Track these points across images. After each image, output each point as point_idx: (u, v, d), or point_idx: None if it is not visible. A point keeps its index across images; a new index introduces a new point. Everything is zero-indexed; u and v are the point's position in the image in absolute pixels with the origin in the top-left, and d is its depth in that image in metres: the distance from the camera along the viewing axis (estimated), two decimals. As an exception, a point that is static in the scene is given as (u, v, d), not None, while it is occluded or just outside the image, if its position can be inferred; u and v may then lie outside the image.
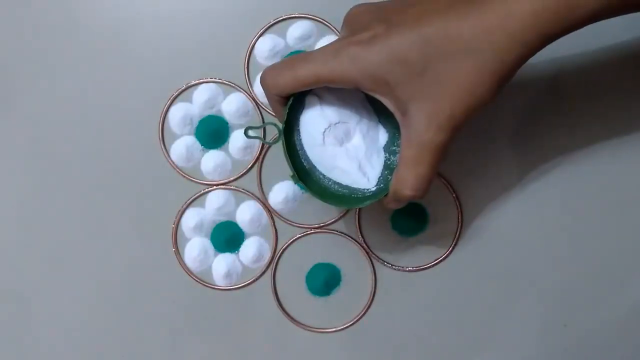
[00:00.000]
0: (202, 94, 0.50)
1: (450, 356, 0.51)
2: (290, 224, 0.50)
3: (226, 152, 0.50)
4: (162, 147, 0.50)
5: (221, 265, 0.50)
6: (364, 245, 0.50)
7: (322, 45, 0.44)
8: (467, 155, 0.50)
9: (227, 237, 0.50)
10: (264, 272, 0.51)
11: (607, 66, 0.50)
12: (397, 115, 0.37)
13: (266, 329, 0.51)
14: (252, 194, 0.50)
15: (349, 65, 0.36)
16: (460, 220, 0.50)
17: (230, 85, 0.50)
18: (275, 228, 0.50)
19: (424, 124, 0.36)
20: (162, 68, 0.50)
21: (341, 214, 0.50)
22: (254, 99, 0.50)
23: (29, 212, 0.51)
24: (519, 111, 0.50)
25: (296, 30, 0.49)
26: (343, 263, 0.51)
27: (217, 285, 0.51)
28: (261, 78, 0.40)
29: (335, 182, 0.42)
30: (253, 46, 0.50)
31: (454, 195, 0.50)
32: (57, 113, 0.50)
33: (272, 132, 0.50)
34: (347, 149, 0.42)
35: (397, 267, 0.50)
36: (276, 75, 0.38)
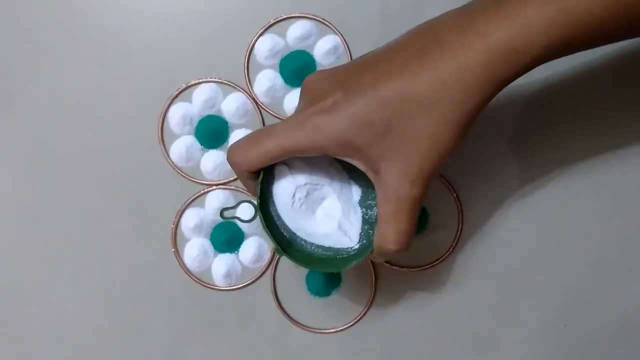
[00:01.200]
0: (201, 94, 0.50)
1: (450, 356, 0.51)
2: (290, 224, 0.50)
3: (226, 152, 0.50)
4: (162, 147, 0.50)
5: (221, 265, 0.50)
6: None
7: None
8: (467, 156, 0.50)
9: (227, 237, 0.50)
10: (264, 272, 0.51)
11: (605, 66, 0.49)
12: (370, 175, 0.38)
13: (266, 329, 0.51)
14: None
15: (314, 134, 0.37)
16: (460, 220, 0.50)
17: (230, 85, 0.50)
18: (275, 228, 0.50)
19: (397, 181, 0.37)
20: (162, 68, 0.50)
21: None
22: (253, 99, 0.50)
23: (29, 212, 0.51)
24: (519, 112, 0.50)
25: (296, 30, 0.49)
26: (343, 263, 0.51)
27: (216, 286, 0.51)
28: (228, 156, 0.40)
29: (317, 246, 0.42)
30: (253, 46, 0.50)
31: (454, 196, 0.50)
32: (57, 113, 0.50)
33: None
34: (324, 211, 0.42)
35: (397, 267, 0.50)
36: (243, 152, 0.39)
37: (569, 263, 0.50)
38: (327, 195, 0.42)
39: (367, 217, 0.43)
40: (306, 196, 0.42)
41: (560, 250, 0.50)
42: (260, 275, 0.51)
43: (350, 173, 0.43)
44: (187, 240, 0.51)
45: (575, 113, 0.50)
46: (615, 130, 0.50)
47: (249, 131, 0.50)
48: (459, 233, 0.50)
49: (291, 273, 0.51)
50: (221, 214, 0.42)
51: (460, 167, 0.50)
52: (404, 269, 0.50)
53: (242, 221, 0.42)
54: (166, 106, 0.50)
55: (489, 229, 0.50)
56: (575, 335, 0.51)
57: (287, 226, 0.42)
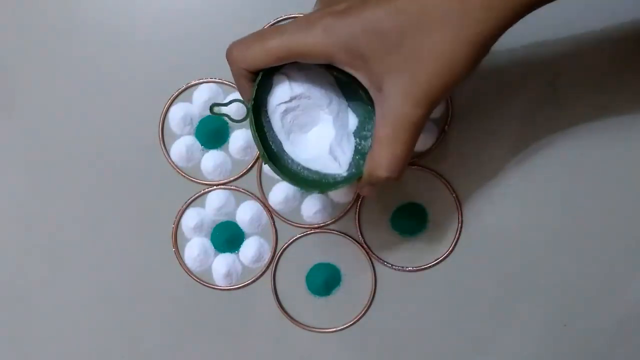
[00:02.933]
0: (202, 94, 0.50)
1: (450, 356, 0.51)
2: (290, 224, 0.50)
3: (226, 152, 0.50)
4: (162, 147, 0.50)
5: (221, 265, 0.50)
6: (364, 245, 0.50)
7: None
8: (467, 155, 0.50)
9: (227, 237, 0.50)
10: (264, 272, 0.51)
11: (605, 66, 0.49)
12: (372, 92, 0.36)
13: (266, 329, 0.51)
14: (252, 194, 0.50)
15: (323, 36, 0.35)
16: (460, 220, 0.50)
17: (230, 85, 0.50)
18: (275, 228, 0.50)
19: (400, 99, 0.35)
20: (162, 68, 0.50)
21: (341, 214, 0.50)
22: (254, 99, 0.50)
23: (29, 212, 0.51)
24: (519, 112, 0.50)
25: (296, 30, 0.49)
26: (343, 263, 0.51)
27: (217, 285, 0.51)
28: (227, 52, 0.37)
29: (304, 168, 0.40)
30: (253, 46, 0.50)
31: (454, 195, 0.50)
32: (57, 113, 0.50)
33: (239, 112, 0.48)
34: (317, 133, 0.41)
35: (397, 267, 0.50)
36: (244, 48, 0.36)
37: (569, 263, 0.50)
38: (321, 117, 0.41)
39: (360, 147, 0.41)
40: (300, 113, 0.40)
41: (561, 250, 0.50)
42: (261, 275, 0.51)
43: (349, 101, 0.41)
44: (187, 240, 0.51)
45: (575, 112, 0.50)
46: (616, 130, 0.50)
47: (249, 131, 0.50)
48: (458, 233, 0.50)
49: (291, 273, 0.51)
50: (211, 109, 0.39)
51: (460, 167, 0.50)
52: (404, 269, 0.50)
53: (231, 120, 0.39)
54: (166, 106, 0.50)
55: (488, 229, 0.50)
56: (575, 335, 0.51)
57: (276, 140, 0.40)
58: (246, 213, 0.50)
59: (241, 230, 0.51)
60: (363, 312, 0.51)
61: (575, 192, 0.50)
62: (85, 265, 0.51)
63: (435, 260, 0.50)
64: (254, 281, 0.51)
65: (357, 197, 0.50)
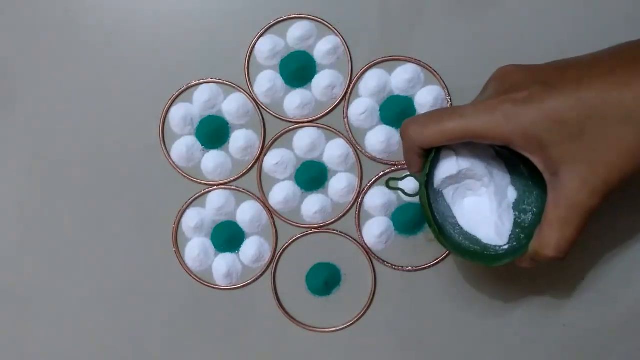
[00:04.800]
0: (202, 94, 0.50)
1: (450, 356, 0.51)
2: (290, 224, 0.50)
3: (226, 152, 0.50)
4: (163, 147, 0.50)
5: (221, 265, 0.50)
6: (364, 245, 0.50)
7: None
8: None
9: (227, 237, 0.50)
10: (264, 272, 0.51)
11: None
12: (546, 175, 0.37)
13: (266, 329, 0.51)
14: (252, 194, 0.50)
15: (503, 122, 0.36)
16: (460, 220, 0.50)
17: (230, 86, 0.50)
18: (275, 228, 0.51)
19: (576, 187, 0.36)
20: (163, 68, 0.50)
21: (341, 214, 0.50)
22: (254, 99, 0.50)
23: (29, 212, 0.51)
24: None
25: (296, 31, 0.49)
26: (343, 263, 0.51)
27: (217, 285, 0.51)
28: (402, 130, 0.39)
29: (465, 238, 0.42)
30: (253, 46, 0.50)
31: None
32: (57, 113, 0.51)
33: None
34: (478, 203, 0.42)
35: (397, 267, 0.50)
36: (421, 127, 0.38)
37: (569, 262, 0.50)
38: (483, 189, 0.42)
39: (519, 220, 0.42)
40: (463, 184, 0.41)
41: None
42: (261, 275, 0.51)
43: (510, 174, 0.43)
44: (188, 240, 0.51)
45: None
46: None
47: (249, 132, 0.50)
48: (458, 233, 0.50)
49: (291, 273, 0.51)
50: (387, 184, 0.42)
51: None
52: (404, 269, 0.50)
53: (406, 194, 0.42)
54: (167, 107, 0.50)
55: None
56: (575, 335, 0.51)
57: (439, 210, 0.42)
58: (246, 213, 0.50)
59: (241, 230, 0.51)
60: (363, 312, 0.51)
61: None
62: (85, 265, 0.51)
63: (435, 260, 0.50)
64: (254, 281, 0.51)
65: (357, 197, 0.50)
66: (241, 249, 0.51)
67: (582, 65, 0.36)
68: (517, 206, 0.42)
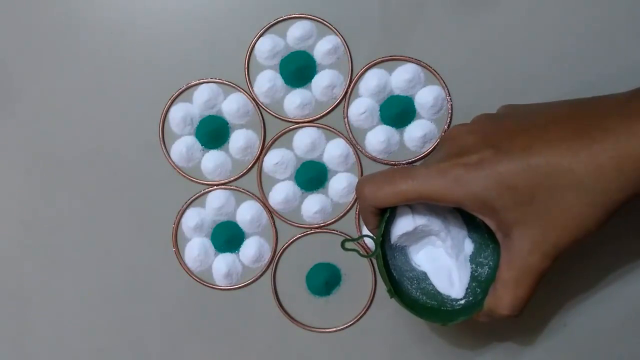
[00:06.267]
0: (202, 94, 0.50)
1: (450, 356, 0.51)
2: (290, 224, 0.50)
3: (226, 152, 0.50)
4: (163, 147, 0.50)
5: (221, 265, 0.50)
6: (364, 245, 0.50)
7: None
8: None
9: (227, 237, 0.50)
10: (264, 272, 0.51)
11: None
12: (499, 236, 0.38)
13: (266, 329, 0.51)
14: (252, 194, 0.50)
15: (454, 186, 0.36)
16: (460, 220, 0.50)
17: (230, 86, 0.50)
18: (275, 228, 0.51)
19: (527, 250, 0.36)
20: (162, 68, 0.50)
21: (341, 214, 0.50)
22: (254, 99, 0.50)
23: (29, 212, 0.51)
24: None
25: (296, 31, 0.49)
26: (343, 263, 0.51)
27: (217, 285, 0.51)
28: (358, 189, 0.40)
29: (422, 293, 0.43)
30: (253, 46, 0.50)
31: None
32: (57, 113, 0.51)
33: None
34: (435, 258, 0.43)
35: (397, 267, 0.50)
36: (376, 188, 0.39)
37: (569, 262, 0.50)
38: (440, 242, 0.43)
39: (476, 274, 0.43)
40: (419, 239, 0.42)
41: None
42: (261, 275, 0.51)
43: (467, 227, 0.43)
44: (187, 240, 0.51)
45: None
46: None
47: (249, 132, 0.50)
48: (458, 233, 0.50)
49: (291, 273, 0.51)
50: (342, 245, 0.42)
51: None
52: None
53: (362, 256, 0.43)
54: (167, 106, 0.50)
55: (488, 229, 0.50)
56: (575, 335, 0.51)
57: (397, 265, 0.43)
58: (246, 213, 0.50)
59: (241, 230, 0.51)
60: (363, 312, 0.51)
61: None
62: (85, 265, 0.51)
63: (435, 260, 0.50)
64: (254, 281, 0.51)
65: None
66: (241, 249, 0.51)
67: (535, 129, 0.37)
68: (473, 259, 0.43)
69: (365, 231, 0.43)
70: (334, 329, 0.51)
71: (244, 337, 0.51)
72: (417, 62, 0.49)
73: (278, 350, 0.51)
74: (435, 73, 0.49)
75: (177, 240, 0.51)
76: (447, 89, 0.49)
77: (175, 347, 0.51)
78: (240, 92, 0.50)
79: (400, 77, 0.49)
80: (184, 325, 0.51)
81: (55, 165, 0.51)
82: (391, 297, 0.41)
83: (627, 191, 0.35)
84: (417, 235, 0.42)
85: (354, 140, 0.50)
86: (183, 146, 0.50)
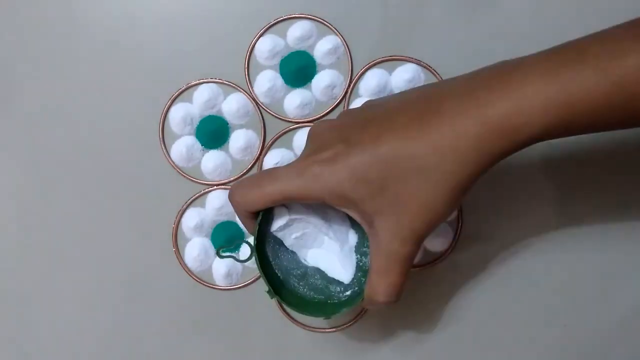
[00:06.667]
0: (202, 94, 0.50)
1: (450, 356, 0.51)
2: (291, 224, 0.50)
3: (226, 152, 0.50)
4: (163, 147, 0.50)
5: (221, 265, 0.50)
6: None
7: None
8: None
9: (227, 237, 0.50)
10: (264, 272, 0.51)
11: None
12: (365, 226, 0.38)
13: (266, 329, 0.51)
14: (252, 194, 0.50)
15: (313, 183, 0.37)
16: (460, 220, 0.50)
17: (230, 86, 0.50)
18: (275, 228, 0.50)
19: (388, 238, 0.37)
20: (162, 68, 0.50)
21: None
22: (254, 99, 0.50)
23: (29, 212, 0.51)
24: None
25: (296, 30, 0.49)
26: (343, 263, 0.51)
27: (217, 285, 0.51)
28: (229, 195, 0.40)
29: (310, 289, 0.43)
30: (253, 46, 0.50)
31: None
32: (57, 113, 0.51)
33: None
34: (320, 253, 0.43)
35: (397, 267, 0.50)
36: (244, 193, 0.39)
37: (569, 262, 0.50)
38: (322, 237, 0.43)
39: (361, 264, 0.43)
40: (301, 236, 0.42)
41: (560, 250, 0.50)
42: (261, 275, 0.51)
43: (350, 218, 0.43)
44: (187, 240, 0.51)
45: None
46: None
47: (249, 131, 0.50)
48: (458, 232, 0.50)
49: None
50: (217, 253, 0.42)
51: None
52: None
53: (238, 260, 0.43)
54: (167, 106, 0.50)
55: (488, 228, 0.50)
56: (575, 335, 0.51)
57: (282, 265, 0.43)
58: (246, 213, 0.50)
59: (241, 230, 0.51)
60: (363, 311, 0.51)
61: (575, 192, 0.50)
62: (85, 265, 0.51)
63: (435, 259, 0.50)
64: (254, 281, 0.51)
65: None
66: (241, 249, 0.51)
67: (384, 119, 0.37)
68: (358, 249, 0.43)
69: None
70: (334, 329, 0.51)
71: (244, 337, 0.51)
72: (417, 62, 0.49)
73: (278, 350, 0.51)
74: (435, 73, 0.49)
75: (177, 240, 0.51)
76: (447, 89, 0.49)
77: (175, 347, 0.51)
78: (240, 92, 0.50)
79: (400, 77, 0.49)
80: (184, 325, 0.51)
81: (55, 165, 0.51)
82: (272, 298, 0.41)
83: (469, 170, 0.35)
84: (294, 230, 0.42)
85: (354, 140, 0.50)
86: (183, 146, 0.50)
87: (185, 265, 0.51)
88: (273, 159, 0.50)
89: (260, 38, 0.50)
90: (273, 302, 0.50)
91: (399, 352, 0.51)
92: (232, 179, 0.50)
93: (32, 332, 0.51)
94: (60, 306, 0.51)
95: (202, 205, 0.51)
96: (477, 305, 0.51)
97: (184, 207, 0.50)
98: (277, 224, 0.41)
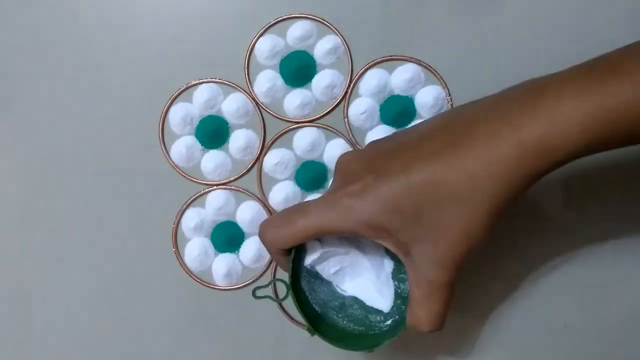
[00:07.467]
0: (202, 94, 0.50)
1: (450, 356, 0.51)
2: (291, 224, 0.50)
3: (226, 152, 0.50)
4: (162, 147, 0.50)
5: (221, 265, 0.50)
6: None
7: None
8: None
9: (227, 237, 0.50)
10: (264, 272, 0.51)
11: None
12: (401, 256, 0.38)
13: (266, 329, 0.51)
14: (252, 194, 0.50)
15: (345, 216, 0.37)
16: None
17: (230, 85, 0.50)
18: (275, 228, 0.50)
19: (427, 266, 0.37)
20: (162, 68, 0.50)
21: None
22: (254, 99, 0.50)
23: (29, 212, 0.51)
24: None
25: (296, 30, 0.49)
26: (343, 263, 0.51)
27: (217, 285, 0.51)
28: (260, 234, 0.40)
29: (350, 320, 0.43)
30: (253, 46, 0.50)
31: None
32: (57, 113, 0.50)
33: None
34: (357, 283, 0.43)
35: (397, 267, 0.50)
36: (275, 232, 0.39)
37: (569, 262, 0.50)
38: (359, 267, 0.42)
39: (399, 290, 0.42)
40: (339, 269, 0.42)
41: (560, 250, 0.50)
42: (261, 275, 0.51)
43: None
44: (187, 240, 0.51)
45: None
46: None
47: (249, 131, 0.50)
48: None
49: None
50: (253, 293, 0.42)
51: None
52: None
53: (275, 300, 0.44)
54: (167, 106, 0.50)
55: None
56: (575, 335, 0.51)
57: (319, 298, 0.42)
58: (246, 213, 0.50)
59: (241, 230, 0.51)
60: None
61: (575, 193, 0.50)
62: (84, 265, 0.51)
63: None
64: (254, 281, 0.51)
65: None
66: (241, 249, 0.51)
67: (412, 147, 0.37)
68: (395, 276, 0.43)
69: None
70: (334, 329, 0.51)
71: (243, 337, 0.51)
72: (417, 62, 0.49)
73: (278, 350, 0.51)
74: (435, 73, 0.49)
75: (177, 240, 0.51)
76: (447, 89, 0.49)
77: (175, 347, 0.51)
78: (240, 92, 0.50)
79: (401, 77, 0.49)
80: (184, 325, 0.51)
81: (55, 165, 0.51)
82: (312, 335, 0.41)
83: (506, 194, 0.35)
84: (330, 262, 0.42)
85: (354, 140, 0.50)
86: (183, 146, 0.50)
87: (185, 265, 0.51)
88: (273, 159, 0.50)
89: (260, 38, 0.50)
90: (273, 302, 0.50)
91: (397, 352, 0.51)
92: (232, 179, 0.50)
93: (32, 332, 0.51)
94: (60, 306, 0.51)
95: (202, 205, 0.51)
96: (477, 305, 0.51)
97: (184, 207, 0.50)
98: (310, 258, 0.41)
